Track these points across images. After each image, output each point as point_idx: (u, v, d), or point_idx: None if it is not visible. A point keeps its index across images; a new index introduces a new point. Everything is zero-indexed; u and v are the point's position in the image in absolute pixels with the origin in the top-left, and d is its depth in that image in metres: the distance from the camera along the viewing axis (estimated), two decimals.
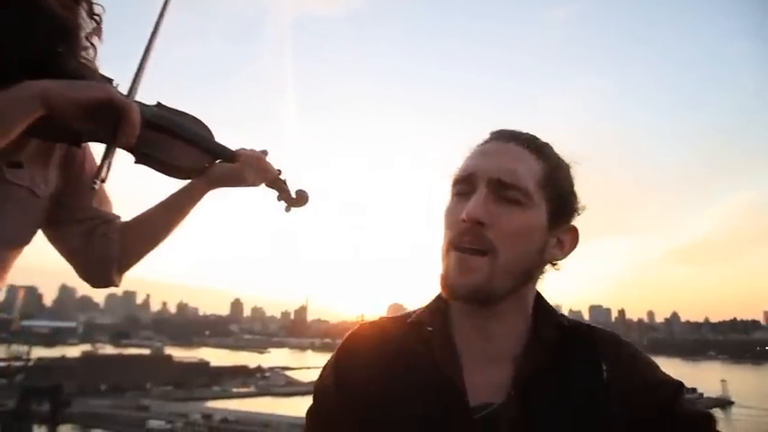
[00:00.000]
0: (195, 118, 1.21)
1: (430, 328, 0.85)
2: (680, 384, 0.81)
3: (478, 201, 0.78)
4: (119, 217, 1.23)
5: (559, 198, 0.84)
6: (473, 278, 0.77)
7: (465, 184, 0.82)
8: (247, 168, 1.22)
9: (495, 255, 0.78)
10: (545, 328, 0.83)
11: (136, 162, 1.08)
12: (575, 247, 0.87)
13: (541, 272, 0.87)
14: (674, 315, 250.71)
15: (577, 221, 0.88)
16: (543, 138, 0.87)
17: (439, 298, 0.88)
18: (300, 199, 1.33)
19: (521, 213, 0.79)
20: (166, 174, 1.15)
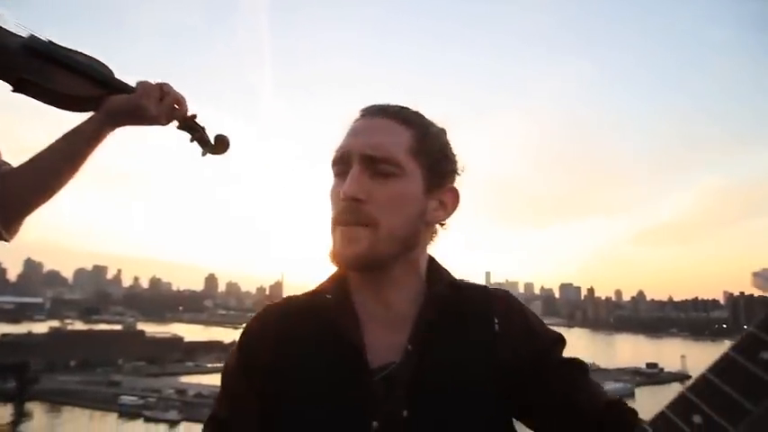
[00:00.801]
0: (92, 57, 1.13)
1: (329, 296, 0.89)
2: (559, 337, 0.90)
3: (353, 179, 0.82)
4: (5, 164, 1.11)
5: (433, 163, 0.88)
6: (357, 248, 0.82)
7: (341, 164, 0.86)
8: (146, 98, 1.11)
9: (375, 225, 0.82)
10: (438, 288, 0.88)
11: (13, 90, 1.01)
12: (456, 206, 0.91)
13: (430, 235, 0.92)
14: (640, 294, 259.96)
15: (459, 181, 0.93)
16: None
17: (341, 271, 0.93)
18: (220, 144, 1.20)
19: (395, 184, 0.84)
20: (53, 104, 1.08)
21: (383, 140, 0.85)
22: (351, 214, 0.83)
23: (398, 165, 0.84)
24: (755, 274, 0.59)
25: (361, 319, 0.86)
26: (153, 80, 1.16)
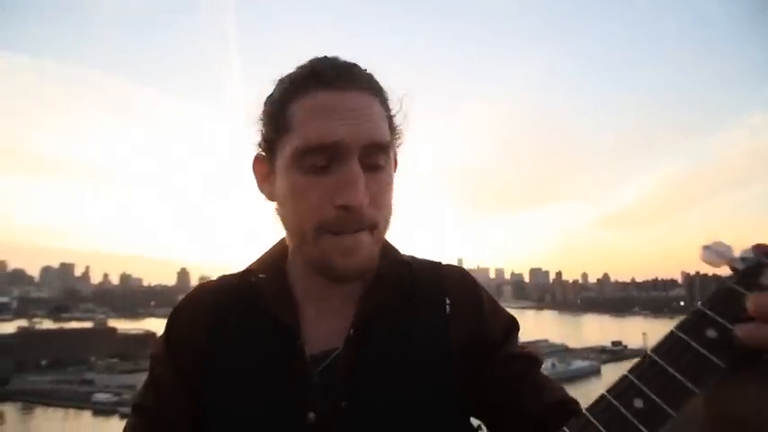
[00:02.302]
0: None
1: (262, 276, 0.79)
2: (513, 324, 0.81)
3: (359, 184, 0.66)
4: None
5: (399, 138, 0.77)
6: (360, 258, 0.69)
7: (323, 156, 0.67)
8: None
9: (376, 228, 0.70)
10: (386, 268, 0.77)
11: None
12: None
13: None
14: (606, 276, 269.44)
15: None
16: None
17: (279, 245, 0.83)
18: None
19: (384, 175, 0.72)
20: None
21: (380, 126, 0.70)
22: (356, 222, 0.68)
23: (387, 150, 0.71)
24: (705, 248, 0.49)
25: (299, 301, 0.76)
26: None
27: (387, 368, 0.72)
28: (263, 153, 0.75)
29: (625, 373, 0.47)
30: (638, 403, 0.45)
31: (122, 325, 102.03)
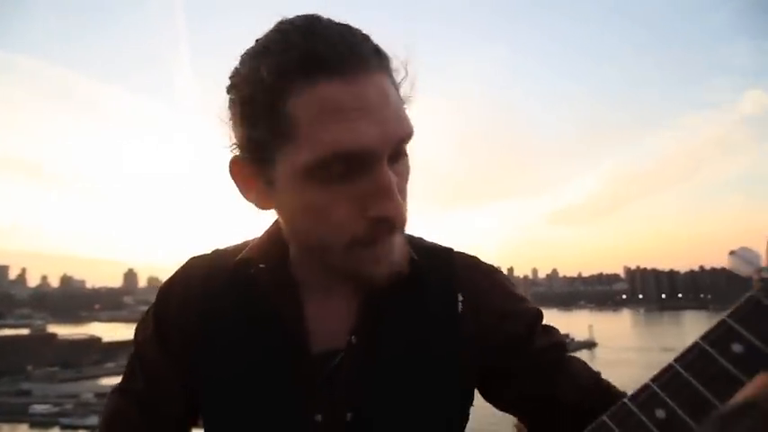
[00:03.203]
0: None
1: (262, 265, 0.70)
2: (537, 314, 0.74)
3: (395, 192, 0.57)
4: None
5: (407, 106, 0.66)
6: (396, 263, 0.62)
7: (345, 165, 0.56)
8: None
9: (403, 226, 0.63)
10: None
11: None
12: None
13: None
14: (554, 271, 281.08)
15: None
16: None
17: (277, 230, 0.72)
18: None
19: (406, 165, 0.63)
20: None
21: (404, 116, 0.60)
22: (390, 229, 0.60)
23: (410, 137, 0.61)
24: (732, 254, 0.53)
25: (302, 296, 0.69)
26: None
27: (392, 374, 0.67)
28: (247, 155, 0.62)
29: (647, 381, 0.47)
30: (660, 414, 0.45)
31: (63, 330, 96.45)
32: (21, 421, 48.71)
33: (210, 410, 0.69)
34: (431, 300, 0.70)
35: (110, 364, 74.62)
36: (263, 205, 0.65)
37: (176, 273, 0.76)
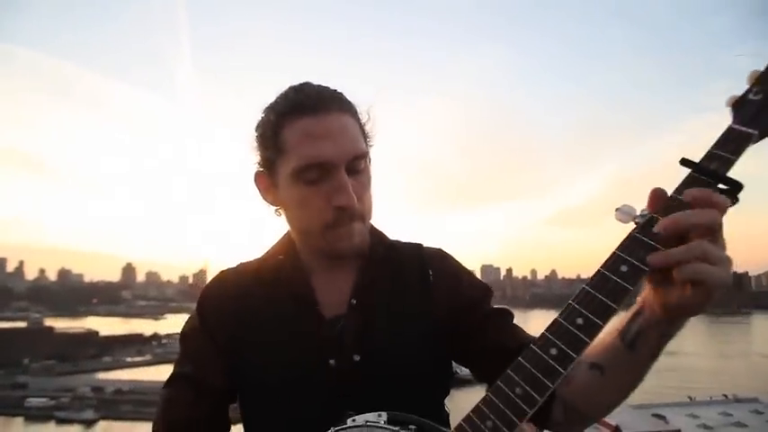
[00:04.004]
0: None
1: (281, 257, 1.00)
2: (488, 288, 1.03)
3: (348, 190, 0.88)
4: None
5: (371, 141, 0.97)
6: (358, 242, 0.92)
7: (316, 171, 0.88)
8: None
9: (363, 220, 0.93)
10: (377, 247, 0.99)
11: None
12: None
13: None
14: (553, 272, 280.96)
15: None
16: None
17: (287, 236, 1.03)
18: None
19: (365, 176, 0.93)
20: None
21: (358, 140, 0.91)
22: (350, 217, 0.90)
23: (366, 155, 0.94)
24: (617, 210, 0.70)
25: (310, 277, 0.97)
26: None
27: (386, 328, 0.93)
28: (263, 170, 0.96)
29: (569, 301, 0.68)
30: (579, 321, 0.66)
31: (61, 324, 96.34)
32: (16, 414, 48.35)
33: (248, 372, 0.93)
34: (408, 273, 1.00)
35: (107, 359, 74.36)
36: (274, 203, 0.98)
37: (214, 278, 1.03)
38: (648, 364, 0.77)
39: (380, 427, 0.72)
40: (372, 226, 1.00)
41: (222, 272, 1.04)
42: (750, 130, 0.70)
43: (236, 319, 0.96)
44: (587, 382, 0.80)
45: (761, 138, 0.71)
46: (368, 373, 0.89)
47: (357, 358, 0.90)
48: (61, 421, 46.42)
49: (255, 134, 0.97)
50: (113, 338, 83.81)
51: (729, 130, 0.71)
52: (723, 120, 0.73)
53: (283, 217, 1.00)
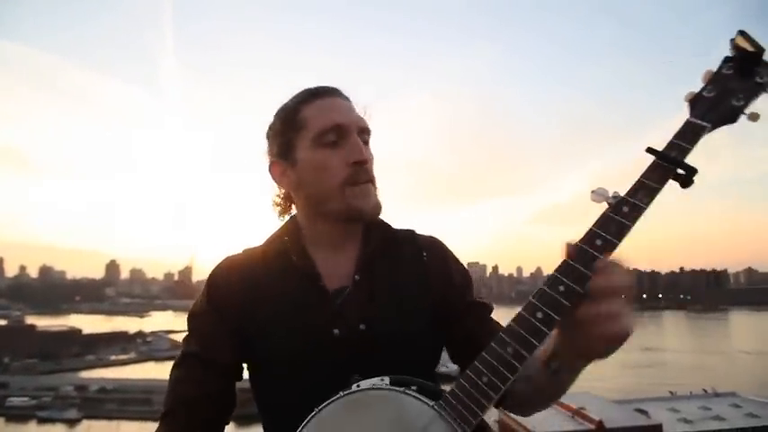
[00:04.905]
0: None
1: (286, 238, 1.08)
2: (471, 279, 1.13)
3: (362, 147, 1.02)
4: None
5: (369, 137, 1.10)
6: (375, 203, 1.03)
7: (334, 134, 1.02)
8: None
9: (374, 183, 1.05)
10: (375, 227, 1.09)
11: None
12: None
13: None
14: (538, 270, 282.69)
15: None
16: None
17: (292, 218, 1.13)
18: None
19: (370, 150, 1.07)
20: None
21: (362, 115, 1.08)
22: (365, 174, 1.02)
23: (370, 137, 1.08)
24: (593, 192, 0.81)
25: (314, 255, 1.06)
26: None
27: (388, 301, 1.02)
28: (276, 157, 1.08)
29: (541, 285, 0.79)
30: (561, 288, 0.77)
31: (42, 322, 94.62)
32: None
33: (258, 345, 1.00)
34: (405, 253, 1.10)
35: (90, 357, 73.27)
36: (288, 184, 1.08)
37: (220, 263, 1.09)
38: (570, 382, 0.89)
39: (385, 389, 0.80)
40: None
41: (228, 257, 1.10)
42: (704, 123, 0.82)
43: (245, 297, 1.02)
44: (521, 390, 0.90)
45: (712, 129, 0.83)
46: (372, 342, 0.97)
47: (363, 327, 0.98)
48: (43, 421, 45.67)
49: (270, 128, 1.10)
50: (97, 336, 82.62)
51: (687, 123, 0.83)
52: None
53: (278, 219, 1.12)
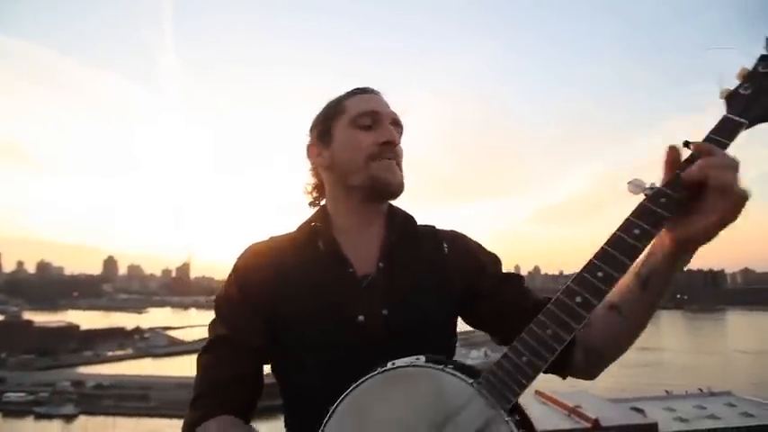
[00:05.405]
0: None
1: (316, 224, 1.12)
2: (498, 257, 1.18)
3: (393, 131, 1.11)
4: None
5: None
6: (399, 178, 1.10)
7: (369, 119, 1.10)
8: None
9: (400, 164, 1.12)
10: (397, 218, 1.15)
11: None
12: None
13: None
14: (536, 269, 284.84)
15: None
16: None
17: (322, 207, 1.17)
18: None
19: (401, 145, 1.14)
20: None
21: (397, 114, 1.16)
22: (392, 153, 1.10)
23: (402, 132, 1.16)
24: (629, 183, 0.83)
25: (341, 240, 1.10)
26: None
27: (409, 289, 1.06)
28: (314, 140, 1.16)
29: (591, 258, 0.82)
30: (600, 274, 0.80)
31: (40, 318, 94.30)
32: None
33: (286, 327, 1.03)
34: (426, 244, 1.15)
35: (87, 353, 73.11)
36: (321, 163, 1.15)
37: (246, 249, 1.13)
38: (657, 301, 0.92)
39: (424, 366, 0.82)
40: (391, 204, 1.17)
41: (254, 243, 1.14)
42: (742, 120, 0.84)
43: (275, 283, 1.05)
44: (608, 323, 0.95)
45: (750, 126, 0.85)
46: (394, 328, 1.00)
47: (385, 312, 1.02)
48: (40, 416, 45.61)
49: (313, 120, 1.19)
50: (94, 332, 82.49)
51: (725, 119, 0.85)
52: (707, 119, 0.85)
53: (308, 209, 1.19)
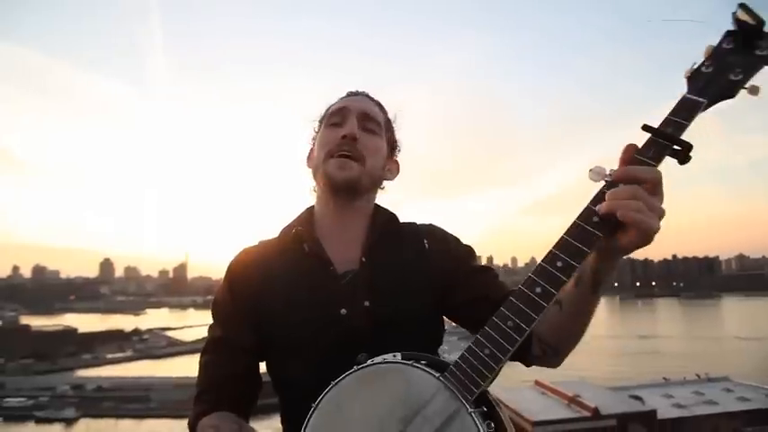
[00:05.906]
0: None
1: (299, 227, 1.16)
2: (472, 250, 1.24)
3: (353, 124, 1.16)
4: None
5: (391, 137, 1.26)
6: (349, 173, 1.12)
7: (338, 116, 1.18)
8: None
9: (363, 162, 1.14)
10: (381, 217, 1.20)
11: None
12: (397, 174, 1.28)
13: (381, 186, 1.25)
14: (533, 260, 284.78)
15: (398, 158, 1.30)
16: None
17: (308, 209, 1.23)
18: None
19: (376, 138, 1.19)
20: None
21: (372, 107, 1.22)
22: (347, 148, 1.13)
23: (379, 126, 1.20)
24: (590, 170, 0.82)
25: (324, 241, 1.15)
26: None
27: (392, 283, 1.11)
28: (311, 143, 1.26)
29: (551, 249, 0.82)
30: (559, 264, 0.81)
31: (37, 322, 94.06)
32: None
33: (272, 324, 1.08)
34: (408, 240, 1.20)
35: (86, 356, 72.83)
36: (310, 164, 1.23)
37: (238, 253, 1.19)
38: (593, 296, 0.95)
39: (395, 362, 0.87)
40: (377, 204, 1.23)
41: (246, 248, 1.20)
42: (700, 99, 0.82)
43: (261, 284, 1.11)
44: (551, 316, 0.98)
45: (708, 106, 0.83)
46: (376, 319, 1.05)
47: (367, 304, 1.06)
48: (41, 420, 45.48)
49: (315, 129, 1.27)
50: (92, 335, 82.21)
51: (684, 99, 0.83)
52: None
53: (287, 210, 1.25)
